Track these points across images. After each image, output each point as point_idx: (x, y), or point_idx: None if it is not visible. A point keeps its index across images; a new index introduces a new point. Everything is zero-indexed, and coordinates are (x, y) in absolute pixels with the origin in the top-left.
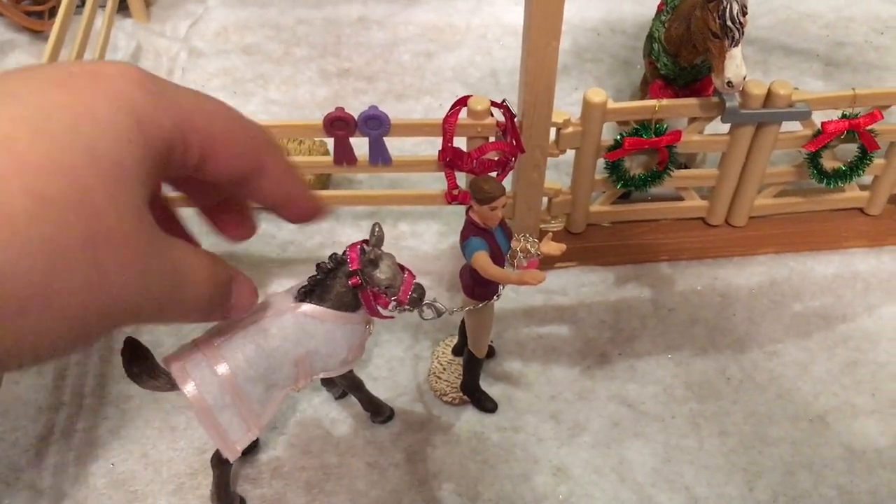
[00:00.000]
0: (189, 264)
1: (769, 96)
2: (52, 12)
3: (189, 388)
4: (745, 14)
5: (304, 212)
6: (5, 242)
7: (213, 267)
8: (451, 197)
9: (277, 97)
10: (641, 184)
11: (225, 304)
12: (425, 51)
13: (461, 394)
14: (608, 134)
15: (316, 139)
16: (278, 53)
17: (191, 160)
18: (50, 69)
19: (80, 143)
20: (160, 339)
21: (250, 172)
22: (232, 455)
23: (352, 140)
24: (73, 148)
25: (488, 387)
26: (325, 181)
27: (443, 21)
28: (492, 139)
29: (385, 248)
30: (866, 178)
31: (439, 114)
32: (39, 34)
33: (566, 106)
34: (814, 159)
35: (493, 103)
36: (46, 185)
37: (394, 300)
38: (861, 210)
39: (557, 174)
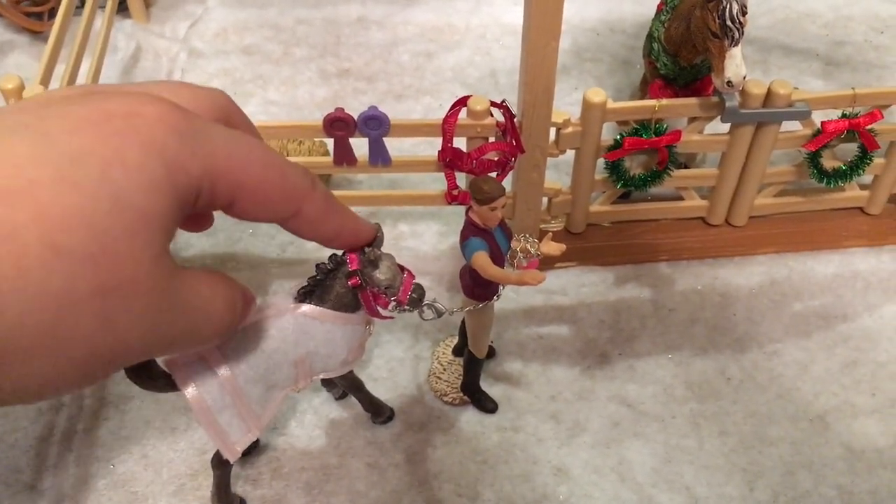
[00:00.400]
0: (206, 299)
1: (769, 96)
2: (52, 13)
3: (189, 390)
4: (744, 14)
5: (347, 244)
6: (17, 293)
7: (229, 294)
8: (451, 197)
9: (277, 98)
10: (641, 184)
11: (238, 325)
12: (425, 51)
13: (461, 394)
14: (608, 134)
15: (316, 140)
16: (278, 54)
17: (218, 203)
18: (88, 104)
19: (106, 191)
20: None
21: (283, 217)
22: (232, 456)
23: (351, 140)
24: (98, 197)
25: (488, 387)
26: (324, 182)
27: (442, 21)
28: (491, 139)
29: (385, 248)
30: (866, 178)
31: (439, 114)
32: (39, 35)
33: (566, 106)
34: (814, 159)
35: (493, 103)
36: (64, 236)
37: (394, 301)
38: (861, 209)
39: (557, 174)
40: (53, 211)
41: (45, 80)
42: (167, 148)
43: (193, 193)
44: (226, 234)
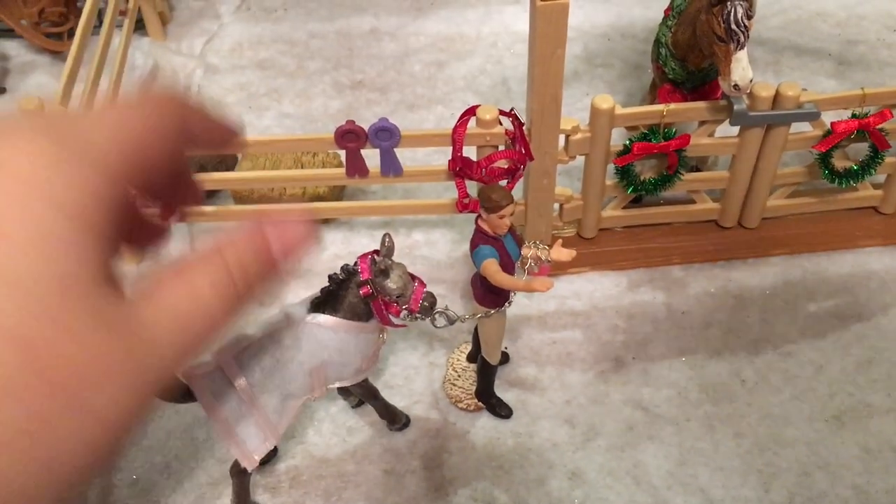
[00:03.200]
0: (177, 325)
1: (777, 98)
2: (71, 33)
3: (206, 400)
4: (750, 17)
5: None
6: None
7: (216, 301)
8: (462, 206)
9: (291, 111)
10: (652, 188)
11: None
12: (436, 61)
13: (476, 400)
14: (620, 138)
15: (329, 151)
16: (292, 67)
17: (135, 182)
18: None
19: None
20: None
21: (182, 145)
22: (250, 465)
23: (364, 151)
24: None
25: (503, 392)
26: (338, 193)
27: (453, 31)
28: (501, 148)
29: (400, 257)
30: (880, 177)
31: (451, 123)
32: (59, 55)
33: (577, 112)
34: (825, 159)
35: (502, 112)
36: None
37: (405, 309)
38: (875, 209)
39: (569, 180)
40: None
41: (65, 100)
42: (52, 184)
43: (105, 207)
44: None
